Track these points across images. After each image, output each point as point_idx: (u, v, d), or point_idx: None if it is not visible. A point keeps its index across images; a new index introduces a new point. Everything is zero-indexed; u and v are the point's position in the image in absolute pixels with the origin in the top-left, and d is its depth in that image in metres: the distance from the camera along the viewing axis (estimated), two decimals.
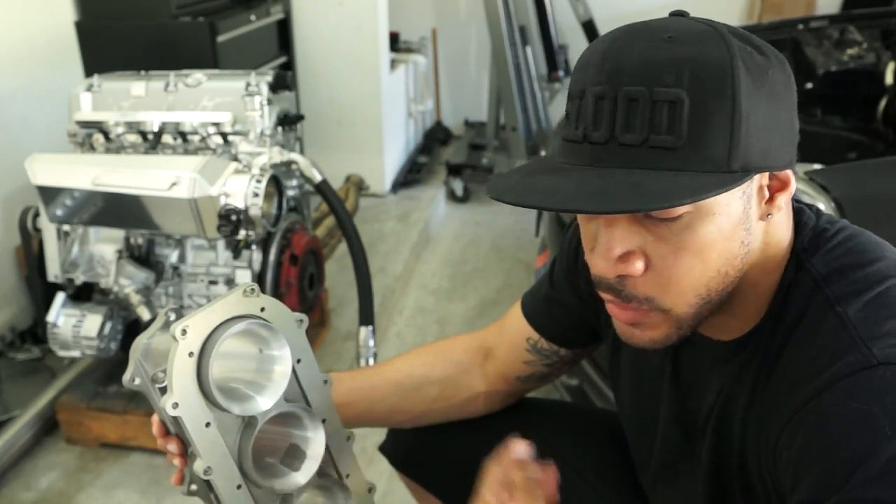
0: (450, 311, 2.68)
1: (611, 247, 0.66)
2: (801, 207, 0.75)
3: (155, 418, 0.81)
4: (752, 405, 0.72)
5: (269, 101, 1.89)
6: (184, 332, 0.70)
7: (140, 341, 0.76)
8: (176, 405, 0.70)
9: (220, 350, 0.71)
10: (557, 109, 3.86)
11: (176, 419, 0.72)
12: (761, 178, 0.67)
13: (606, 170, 0.63)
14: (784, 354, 0.69)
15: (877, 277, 0.67)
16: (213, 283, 1.88)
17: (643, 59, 0.62)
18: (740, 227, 0.66)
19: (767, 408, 0.69)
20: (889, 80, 2.23)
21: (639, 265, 0.66)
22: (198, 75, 1.93)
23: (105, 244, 1.87)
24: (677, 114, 0.61)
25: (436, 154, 4.12)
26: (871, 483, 0.57)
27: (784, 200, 0.69)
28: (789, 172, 0.68)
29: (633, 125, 0.62)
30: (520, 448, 0.73)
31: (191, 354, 0.71)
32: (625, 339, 0.74)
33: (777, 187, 0.68)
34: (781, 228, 0.72)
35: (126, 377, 0.76)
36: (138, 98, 1.92)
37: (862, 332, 0.63)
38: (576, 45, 4.03)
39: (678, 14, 0.68)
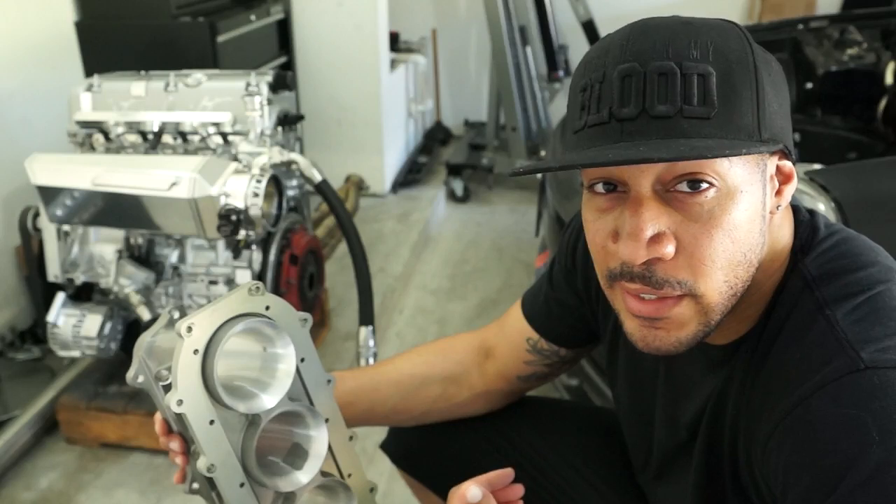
0: (450, 311, 2.68)
1: (641, 228, 0.63)
2: (796, 206, 0.75)
3: (158, 417, 0.81)
4: (740, 408, 0.72)
5: (269, 101, 1.89)
6: (189, 329, 0.70)
7: (144, 339, 0.76)
8: (180, 402, 0.70)
9: (224, 348, 0.71)
10: (557, 109, 3.86)
11: (180, 416, 0.72)
12: (771, 167, 0.67)
13: (640, 142, 0.61)
14: (771, 355, 0.69)
15: (868, 282, 0.67)
16: (213, 283, 1.88)
17: (667, 40, 0.63)
18: (759, 213, 0.66)
19: (755, 411, 0.69)
20: (889, 80, 2.23)
21: (670, 247, 0.63)
22: (198, 75, 1.93)
23: (105, 244, 1.87)
24: (708, 85, 0.61)
25: (436, 154, 4.11)
26: (859, 490, 0.56)
27: (790, 193, 0.69)
28: (791, 165, 0.69)
29: (665, 97, 0.61)
30: (473, 492, 0.72)
31: (196, 352, 0.71)
32: (644, 345, 0.69)
33: (783, 179, 0.69)
34: (783, 228, 0.72)
35: (130, 375, 0.76)
36: (138, 98, 1.92)
37: (850, 336, 0.63)
38: (576, 45, 4.03)
39: None
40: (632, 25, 0.66)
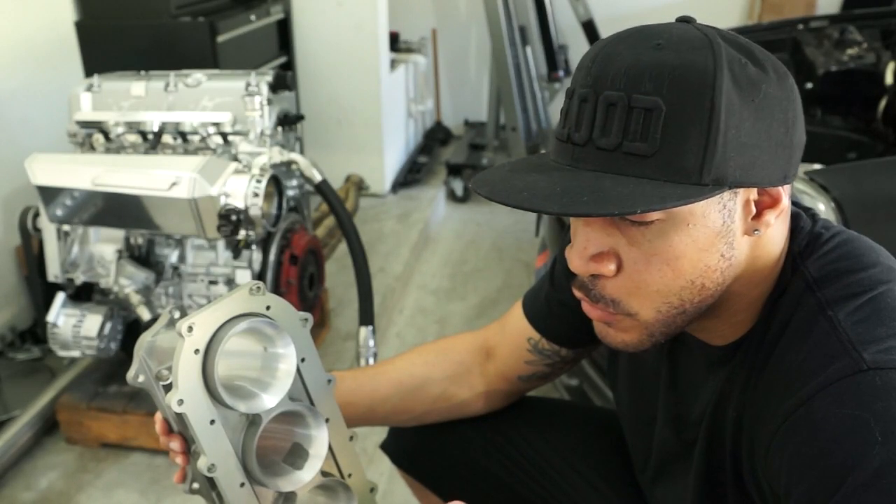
0: (450, 311, 2.68)
1: (585, 245, 0.67)
2: (797, 212, 0.74)
3: (158, 416, 0.81)
4: (743, 408, 0.72)
5: (269, 101, 1.89)
6: (190, 328, 0.70)
7: (144, 339, 0.76)
8: (181, 402, 0.70)
9: (225, 348, 0.71)
10: (557, 109, 3.86)
11: (180, 416, 0.72)
12: (748, 193, 0.65)
13: (580, 171, 0.64)
14: (774, 356, 0.69)
15: (870, 283, 0.66)
16: (213, 283, 1.88)
17: (627, 65, 0.62)
18: (719, 239, 0.65)
19: (758, 411, 0.69)
20: (889, 80, 2.23)
21: (611, 266, 0.67)
22: (198, 75, 1.93)
23: (105, 244, 1.87)
24: (652, 121, 0.60)
25: (436, 154, 4.12)
26: (862, 490, 0.56)
27: (773, 217, 0.67)
28: (781, 189, 0.66)
29: (610, 130, 0.62)
30: None
31: (196, 351, 0.71)
32: (601, 338, 0.75)
33: (766, 203, 0.67)
34: (774, 241, 0.70)
35: (130, 375, 0.76)
36: (138, 98, 1.92)
37: (853, 336, 0.63)
38: (576, 45, 4.03)
39: (685, 20, 0.67)
40: (605, 42, 0.66)
